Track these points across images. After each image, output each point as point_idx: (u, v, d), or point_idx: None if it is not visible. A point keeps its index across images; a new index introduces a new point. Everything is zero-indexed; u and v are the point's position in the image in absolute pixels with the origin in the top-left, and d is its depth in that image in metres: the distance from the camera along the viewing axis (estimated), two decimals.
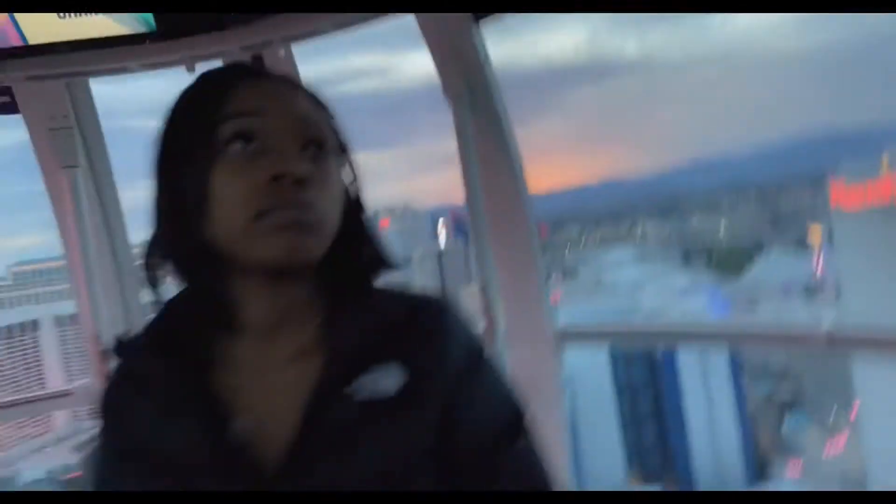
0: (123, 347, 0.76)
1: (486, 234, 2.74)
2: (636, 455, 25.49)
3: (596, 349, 25.41)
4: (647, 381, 27.01)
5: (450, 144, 2.59)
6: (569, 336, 2.86)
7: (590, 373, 25.34)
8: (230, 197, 0.67)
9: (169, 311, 0.76)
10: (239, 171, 0.68)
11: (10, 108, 2.80)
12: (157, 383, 0.72)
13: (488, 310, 2.67)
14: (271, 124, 0.69)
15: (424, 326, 0.72)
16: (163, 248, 0.74)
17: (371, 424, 0.69)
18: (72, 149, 2.94)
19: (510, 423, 0.72)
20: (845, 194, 19.94)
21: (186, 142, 0.69)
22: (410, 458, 0.68)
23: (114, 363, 0.80)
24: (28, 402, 3.42)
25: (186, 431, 0.69)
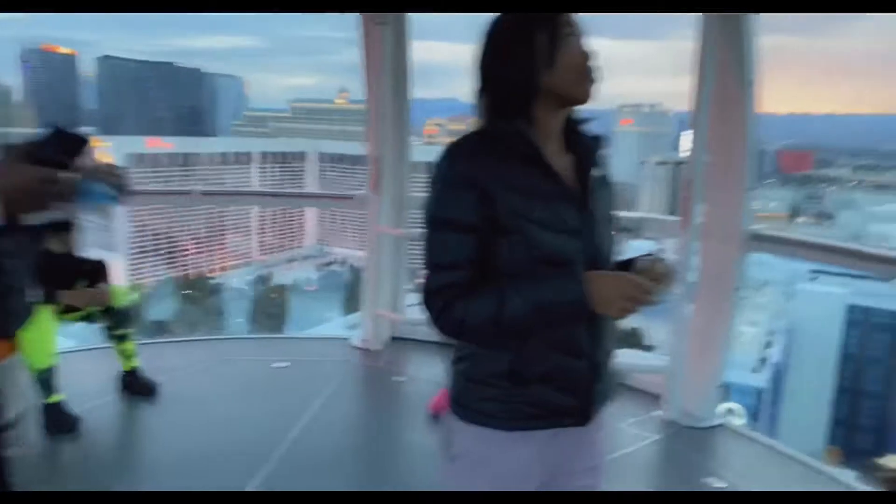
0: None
1: (703, 138, 3.02)
2: (844, 431, 23.22)
3: (834, 312, 22.93)
4: (880, 356, 23.91)
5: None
6: (760, 238, 3.10)
7: (818, 330, 23.06)
8: (568, 64, 1.19)
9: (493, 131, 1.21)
10: (575, 47, 1.20)
11: None
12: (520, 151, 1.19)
13: (686, 206, 3.02)
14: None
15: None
16: (508, 88, 1.19)
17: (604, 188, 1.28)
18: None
19: None
20: None
21: (539, 28, 1.18)
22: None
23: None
24: (320, 196, 4.54)
25: (537, 178, 1.19)
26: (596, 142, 1.28)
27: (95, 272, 3.20)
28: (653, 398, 3.37)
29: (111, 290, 3.18)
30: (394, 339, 4.13)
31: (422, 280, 1.20)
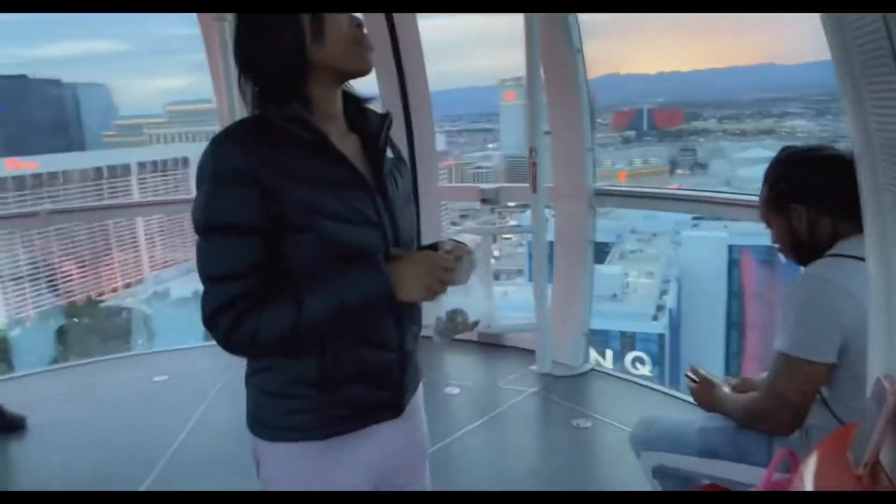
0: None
1: (540, 103, 3.21)
2: (736, 363, 25.25)
3: (718, 254, 24.63)
4: (761, 290, 26.11)
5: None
6: (602, 194, 3.35)
7: (705, 273, 24.79)
8: (339, 36, 1.08)
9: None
10: (341, 16, 1.09)
11: None
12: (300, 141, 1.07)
13: (533, 167, 3.20)
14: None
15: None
16: (276, 69, 1.08)
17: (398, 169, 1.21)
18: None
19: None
20: None
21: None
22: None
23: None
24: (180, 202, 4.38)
25: (324, 167, 1.08)
26: (383, 119, 1.20)
27: None
28: (528, 354, 3.58)
29: None
30: None
31: (201, 296, 1.06)
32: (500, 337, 3.79)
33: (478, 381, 3.52)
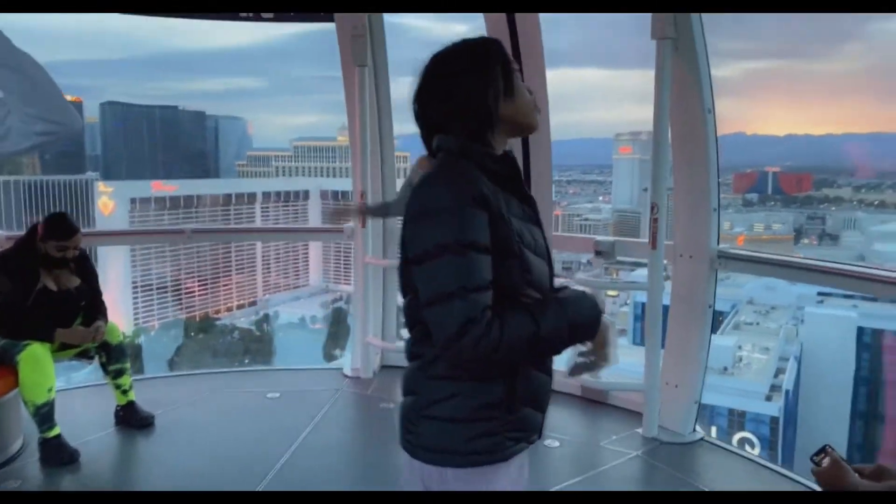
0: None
1: (666, 160, 3.16)
2: (862, 455, 22.83)
3: (846, 335, 22.71)
4: (894, 379, 23.62)
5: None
6: (726, 257, 3.22)
7: (830, 355, 22.80)
8: (523, 94, 1.27)
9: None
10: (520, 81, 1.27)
11: (328, 18, 3.89)
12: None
13: (655, 223, 3.14)
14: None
15: None
16: (477, 116, 1.22)
17: None
18: (363, 51, 3.93)
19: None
20: None
21: (493, 65, 1.23)
22: None
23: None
24: (312, 230, 4.67)
25: (520, 202, 1.25)
26: (513, 160, 1.30)
27: (91, 310, 3.32)
28: (634, 416, 3.45)
29: (107, 327, 3.30)
30: (383, 367, 4.24)
31: (443, 309, 1.12)
32: (605, 394, 3.68)
33: (579, 436, 3.42)
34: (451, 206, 1.14)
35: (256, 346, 25.31)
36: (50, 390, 3.02)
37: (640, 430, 3.33)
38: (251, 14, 3.87)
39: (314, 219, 32.99)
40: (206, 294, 29.66)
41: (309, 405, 3.71)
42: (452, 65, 1.24)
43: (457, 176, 1.18)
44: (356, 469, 3.10)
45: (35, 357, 2.99)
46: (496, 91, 1.22)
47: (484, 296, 1.12)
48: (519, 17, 3.66)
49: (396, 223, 4.24)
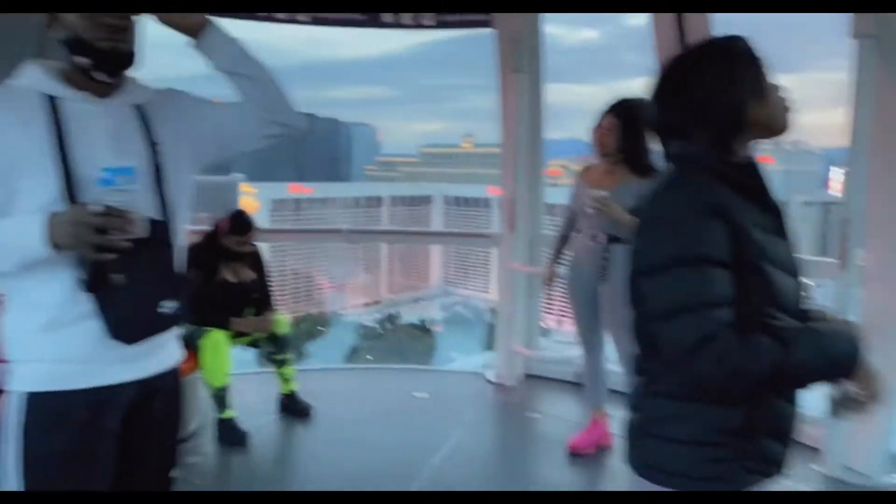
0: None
1: (861, 176, 2.86)
2: None
3: None
4: None
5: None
6: None
7: None
8: (774, 94, 1.15)
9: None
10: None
11: (486, 23, 3.92)
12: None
13: (844, 247, 2.85)
14: None
15: None
16: (724, 120, 1.13)
17: None
18: (521, 57, 3.91)
19: None
20: None
21: (741, 65, 1.14)
22: None
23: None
24: (458, 235, 4.71)
25: (764, 213, 1.14)
26: (761, 172, 1.19)
27: (262, 302, 3.55)
28: (808, 450, 3.14)
29: (275, 319, 3.51)
30: (527, 376, 4.18)
31: (678, 324, 1.05)
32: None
33: None
34: (687, 217, 1.07)
35: (379, 343, 26.16)
36: (227, 375, 3.25)
37: (816, 467, 3.02)
38: (412, 22, 3.97)
39: (437, 223, 33.70)
40: (334, 291, 31.14)
41: (455, 409, 3.73)
42: (696, 66, 1.16)
43: (694, 184, 1.11)
44: (506, 479, 3.05)
45: (215, 343, 3.22)
46: (745, 93, 1.12)
47: (722, 312, 1.04)
48: (689, 17, 3.47)
49: (546, 229, 4.17)
